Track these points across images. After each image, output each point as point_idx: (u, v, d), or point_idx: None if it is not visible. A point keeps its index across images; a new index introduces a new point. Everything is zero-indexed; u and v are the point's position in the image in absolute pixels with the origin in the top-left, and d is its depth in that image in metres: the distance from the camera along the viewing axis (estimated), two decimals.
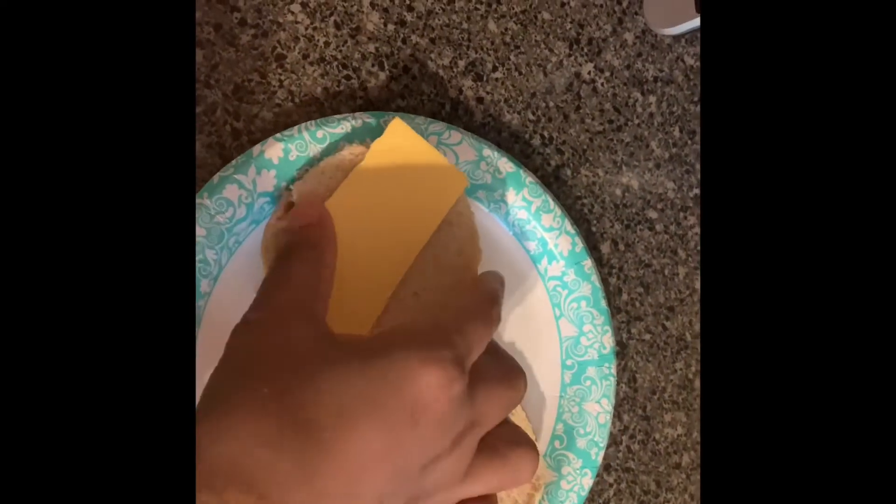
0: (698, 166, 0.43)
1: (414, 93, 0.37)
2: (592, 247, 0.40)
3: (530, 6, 0.39)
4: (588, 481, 0.37)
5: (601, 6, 0.41)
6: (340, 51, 0.36)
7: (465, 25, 0.38)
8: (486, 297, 0.28)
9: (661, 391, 0.42)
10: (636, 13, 0.41)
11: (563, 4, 0.40)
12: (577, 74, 0.40)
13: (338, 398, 0.22)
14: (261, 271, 0.32)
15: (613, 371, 0.37)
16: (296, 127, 0.33)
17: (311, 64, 0.36)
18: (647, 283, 0.42)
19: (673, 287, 0.42)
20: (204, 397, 0.23)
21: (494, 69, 0.39)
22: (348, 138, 0.33)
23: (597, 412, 0.37)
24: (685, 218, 0.42)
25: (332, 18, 0.36)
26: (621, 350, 0.41)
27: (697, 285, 0.43)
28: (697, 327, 0.43)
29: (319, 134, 0.33)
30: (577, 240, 0.37)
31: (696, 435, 0.43)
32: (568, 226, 0.36)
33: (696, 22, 0.40)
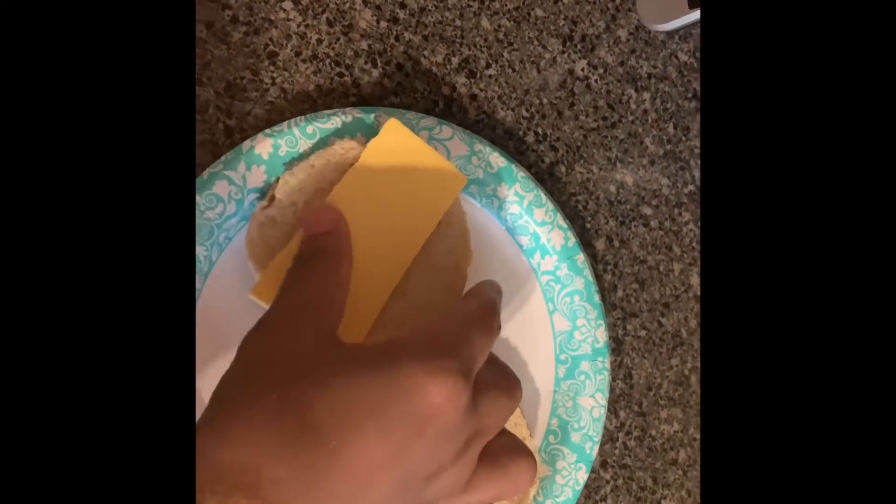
0: (693, 162, 0.43)
1: (407, 90, 0.37)
2: (587, 243, 0.40)
3: (523, 3, 0.39)
4: (583, 475, 0.37)
5: (594, 3, 0.41)
6: (333, 48, 0.36)
7: (458, 22, 0.38)
8: (485, 308, 0.28)
9: (657, 388, 0.42)
10: (629, 9, 0.41)
11: (556, 1, 0.40)
12: (571, 71, 0.40)
13: (345, 406, 0.22)
14: (251, 267, 0.32)
15: (607, 365, 0.37)
16: (285, 122, 0.33)
17: (304, 61, 0.36)
18: (642, 279, 0.42)
19: (668, 283, 0.42)
20: (212, 402, 0.23)
21: (488, 66, 0.39)
22: (339, 134, 0.33)
23: (591, 406, 0.37)
24: (680, 214, 0.42)
25: (325, 16, 0.36)
26: (617, 347, 0.41)
27: (692, 281, 0.43)
28: (693, 323, 0.43)
29: (309, 130, 0.33)
30: (570, 234, 0.37)
31: (693, 431, 0.43)
32: (560, 220, 0.36)
33: (689, 18, 0.40)
